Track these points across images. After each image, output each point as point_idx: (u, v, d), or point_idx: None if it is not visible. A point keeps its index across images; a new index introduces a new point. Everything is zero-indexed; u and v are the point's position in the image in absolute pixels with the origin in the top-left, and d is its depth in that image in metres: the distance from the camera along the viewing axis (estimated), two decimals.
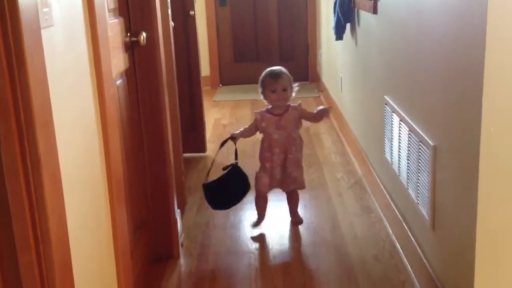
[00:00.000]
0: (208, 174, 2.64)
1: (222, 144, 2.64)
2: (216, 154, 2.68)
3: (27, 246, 1.03)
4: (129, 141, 2.15)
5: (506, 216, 1.59)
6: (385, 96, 2.76)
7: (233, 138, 2.66)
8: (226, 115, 5.17)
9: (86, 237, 1.40)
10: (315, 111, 2.73)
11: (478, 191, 1.58)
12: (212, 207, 2.72)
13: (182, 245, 2.58)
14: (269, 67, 2.78)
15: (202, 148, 3.95)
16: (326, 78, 5.59)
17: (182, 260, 2.50)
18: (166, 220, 2.45)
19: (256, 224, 2.81)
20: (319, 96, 5.71)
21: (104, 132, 1.55)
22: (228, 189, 2.63)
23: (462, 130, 1.73)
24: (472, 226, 1.62)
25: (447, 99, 1.88)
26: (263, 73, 2.70)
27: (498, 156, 1.57)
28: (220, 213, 3.01)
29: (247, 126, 2.74)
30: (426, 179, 2.09)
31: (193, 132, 3.87)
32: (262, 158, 2.73)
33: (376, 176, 3.06)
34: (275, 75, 2.63)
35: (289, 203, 2.85)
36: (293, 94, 2.70)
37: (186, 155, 3.53)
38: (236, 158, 2.63)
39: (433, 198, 2.02)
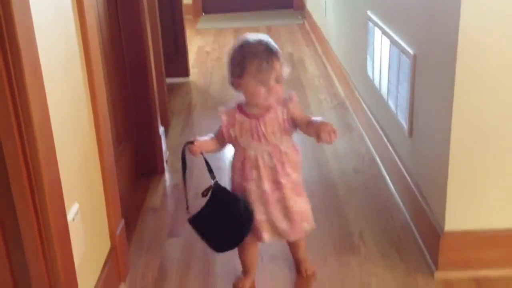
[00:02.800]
0: (187, 205, 1.68)
1: (183, 159, 1.65)
2: (184, 177, 1.68)
3: (10, 132, 1.05)
4: (111, 59, 2.15)
5: (478, 121, 1.65)
6: (367, 12, 2.75)
7: (191, 142, 1.65)
8: (209, 43, 5.12)
9: (71, 148, 1.42)
10: (313, 119, 1.60)
11: (454, 98, 1.62)
12: (216, 250, 1.73)
13: (167, 161, 2.63)
14: None
15: (185, 73, 3.95)
16: (310, 4, 5.52)
17: (167, 175, 2.55)
18: (150, 136, 2.48)
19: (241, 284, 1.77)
20: (303, 23, 5.66)
21: (85, 41, 1.54)
22: (224, 220, 1.64)
23: (440, 39, 1.75)
24: (447, 131, 1.67)
25: (427, 8, 1.88)
26: (240, 45, 1.55)
27: (474, 63, 1.60)
28: (204, 132, 3.03)
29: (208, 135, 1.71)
30: (405, 89, 2.13)
31: (176, 57, 3.86)
32: (235, 187, 1.68)
33: (358, 95, 3.10)
34: (268, 56, 1.50)
35: (294, 250, 1.81)
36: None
37: (170, 80, 3.53)
38: (211, 173, 1.65)
39: (411, 106, 2.06)
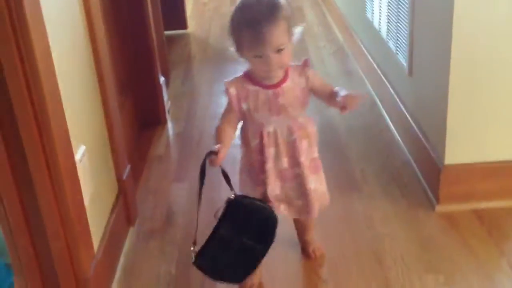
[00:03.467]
0: (195, 240, 1.37)
1: (202, 172, 1.35)
2: (199, 194, 1.39)
3: (15, 72, 1.06)
4: (110, 11, 2.14)
5: (478, 55, 1.65)
6: None
7: (213, 153, 1.32)
8: None
9: (75, 93, 1.43)
10: (336, 89, 1.43)
11: (452, 33, 1.62)
12: (240, 279, 1.45)
13: (169, 111, 2.65)
14: None
15: (184, 25, 3.91)
16: None
17: (169, 125, 2.57)
18: (151, 87, 2.49)
19: None
20: None
21: None
22: (238, 244, 1.36)
23: None
24: (446, 66, 1.68)
25: None
26: (235, 11, 1.32)
27: (471, 2, 1.59)
28: (204, 82, 3.07)
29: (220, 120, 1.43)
30: (405, 27, 2.12)
31: (173, 9, 3.82)
32: (246, 169, 1.49)
33: (358, 39, 3.09)
34: (265, 23, 1.25)
35: (302, 231, 1.66)
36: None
37: (168, 33, 3.51)
38: (231, 187, 1.38)
39: (411, 45, 2.06)
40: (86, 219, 1.35)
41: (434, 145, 1.85)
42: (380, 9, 2.51)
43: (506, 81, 1.67)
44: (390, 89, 2.39)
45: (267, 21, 1.24)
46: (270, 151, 1.40)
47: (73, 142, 1.31)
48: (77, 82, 1.47)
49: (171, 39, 3.65)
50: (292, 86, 1.37)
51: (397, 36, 2.24)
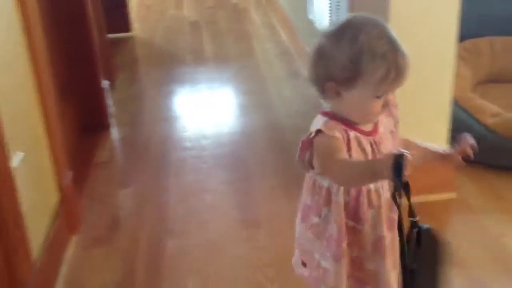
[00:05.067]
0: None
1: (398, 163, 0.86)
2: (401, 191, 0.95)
3: None
4: (48, 12, 2.08)
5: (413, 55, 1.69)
6: None
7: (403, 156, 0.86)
8: None
9: (12, 99, 1.39)
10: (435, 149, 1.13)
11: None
12: None
13: (113, 116, 2.60)
14: None
15: (128, 28, 3.86)
16: None
17: (114, 129, 2.53)
18: (94, 91, 2.45)
19: None
20: None
21: None
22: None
23: None
24: None
25: None
26: (354, 36, 0.95)
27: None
28: (151, 85, 3.03)
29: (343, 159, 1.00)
30: None
31: (116, 12, 3.75)
32: (338, 231, 1.07)
33: (302, 41, 3.13)
34: (405, 59, 0.97)
35: None
36: None
37: (113, 36, 3.46)
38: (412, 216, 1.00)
39: None
40: (24, 226, 1.31)
41: None
42: (321, 11, 2.56)
43: (439, 80, 1.73)
44: None
45: (401, 57, 0.95)
46: (368, 213, 1.05)
47: (10, 149, 1.27)
48: (13, 88, 1.42)
49: (115, 43, 3.59)
50: (384, 131, 1.07)
51: None
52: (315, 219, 1.08)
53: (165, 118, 2.63)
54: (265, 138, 2.38)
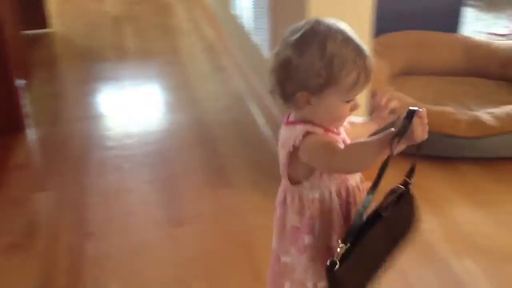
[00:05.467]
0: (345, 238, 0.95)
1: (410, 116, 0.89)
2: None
3: None
4: None
5: None
6: None
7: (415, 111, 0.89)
8: None
9: None
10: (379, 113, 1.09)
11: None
12: None
13: (29, 115, 2.48)
14: None
15: (45, 24, 3.69)
16: None
17: (31, 130, 2.41)
18: (6, 91, 2.32)
19: None
20: None
21: None
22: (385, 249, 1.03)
23: None
24: None
25: None
26: (322, 42, 0.95)
27: None
28: (71, 83, 2.93)
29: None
30: (266, 23, 2.18)
31: (32, 7, 3.58)
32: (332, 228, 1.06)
33: (227, 35, 3.12)
34: (370, 63, 0.97)
35: None
36: None
37: (29, 32, 3.31)
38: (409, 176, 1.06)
39: (273, 39, 2.12)
40: None
41: None
42: (244, 5, 2.55)
43: None
44: (257, 83, 2.45)
45: (367, 60, 0.97)
46: (353, 211, 1.05)
47: None
48: None
49: (33, 39, 3.43)
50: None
51: (261, 31, 2.30)
52: (308, 239, 1.03)
53: (87, 117, 2.54)
54: (191, 134, 2.35)
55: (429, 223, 1.73)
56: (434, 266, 1.58)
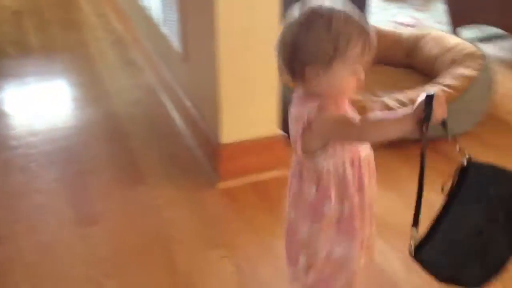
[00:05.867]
0: (417, 220, 0.98)
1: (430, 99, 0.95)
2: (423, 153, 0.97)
3: None
4: None
5: (241, 39, 1.74)
6: None
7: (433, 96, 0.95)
8: None
9: None
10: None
11: (216, 18, 1.69)
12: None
13: None
14: None
15: None
16: None
17: None
18: None
19: None
20: None
21: None
22: (477, 231, 1.01)
23: None
24: (214, 52, 1.74)
25: None
26: (328, 18, 1.01)
27: None
28: None
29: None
30: (176, 14, 2.15)
31: None
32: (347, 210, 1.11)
33: (136, 28, 3.05)
34: (369, 34, 1.03)
35: None
36: None
37: None
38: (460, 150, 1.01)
39: (183, 31, 2.09)
40: None
41: (211, 127, 1.91)
42: None
43: (266, 67, 1.80)
44: (169, 76, 2.41)
45: (368, 31, 1.03)
46: (365, 180, 1.10)
47: None
48: None
49: None
50: None
51: (171, 23, 2.26)
52: (324, 209, 1.08)
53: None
54: (100, 130, 2.28)
55: None
56: None
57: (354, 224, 1.09)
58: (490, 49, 2.90)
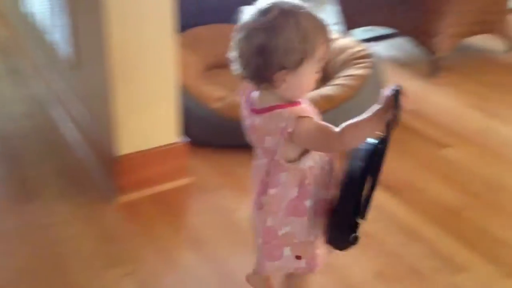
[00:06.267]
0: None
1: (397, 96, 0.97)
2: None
3: None
4: None
5: (131, 46, 1.67)
6: None
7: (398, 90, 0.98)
8: None
9: None
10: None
11: (107, 24, 1.61)
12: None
13: None
14: None
15: None
16: None
17: None
18: None
19: None
20: None
21: None
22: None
23: None
24: (106, 59, 1.66)
25: None
26: (296, 19, 1.01)
27: None
28: None
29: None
30: (66, 21, 2.03)
31: None
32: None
33: (21, 36, 2.87)
34: (328, 32, 1.06)
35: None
36: None
37: None
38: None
39: (75, 38, 1.98)
40: None
41: (107, 138, 1.82)
42: (37, 2, 2.36)
43: (162, 73, 1.75)
44: (59, 85, 2.28)
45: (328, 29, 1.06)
46: (331, 181, 1.14)
47: None
48: None
49: None
50: None
51: (58, 28, 2.14)
52: (308, 203, 1.11)
53: None
54: None
55: (248, 211, 1.76)
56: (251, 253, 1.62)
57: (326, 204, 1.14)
58: (382, 48, 3.03)
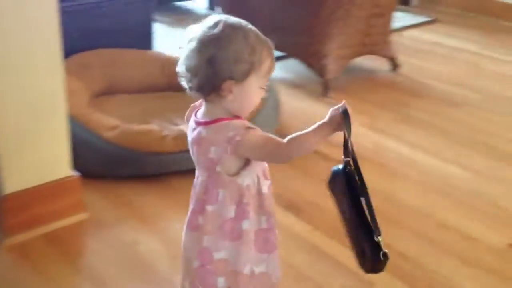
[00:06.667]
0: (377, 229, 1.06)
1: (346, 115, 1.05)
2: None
3: None
4: None
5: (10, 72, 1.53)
6: None
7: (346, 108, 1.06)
8: None
9: None
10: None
11: None
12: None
13: None
14: None
15: None
16: None
17: None
18: None
19: None
20: None
21: None
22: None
23: None
24: None
25: None
26: (245, 33, 1.06)
27: None
28: None
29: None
30: None
31: None
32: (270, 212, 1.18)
33: None
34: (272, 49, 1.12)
35: None
36: None
37: None
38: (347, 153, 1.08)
39: None
40: None
41: None
42: None
43: (50, 103, 1.64)
44: None
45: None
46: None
47: None
48: None
49: None
50: None
51: None
52: (244, 225, 1.10)
53: None
54: None
55: (150, 243, 1.69)
56: (159, 286, 1.54)
57: (271, 237, 1.15)
58: (275, 70, 3.08)
